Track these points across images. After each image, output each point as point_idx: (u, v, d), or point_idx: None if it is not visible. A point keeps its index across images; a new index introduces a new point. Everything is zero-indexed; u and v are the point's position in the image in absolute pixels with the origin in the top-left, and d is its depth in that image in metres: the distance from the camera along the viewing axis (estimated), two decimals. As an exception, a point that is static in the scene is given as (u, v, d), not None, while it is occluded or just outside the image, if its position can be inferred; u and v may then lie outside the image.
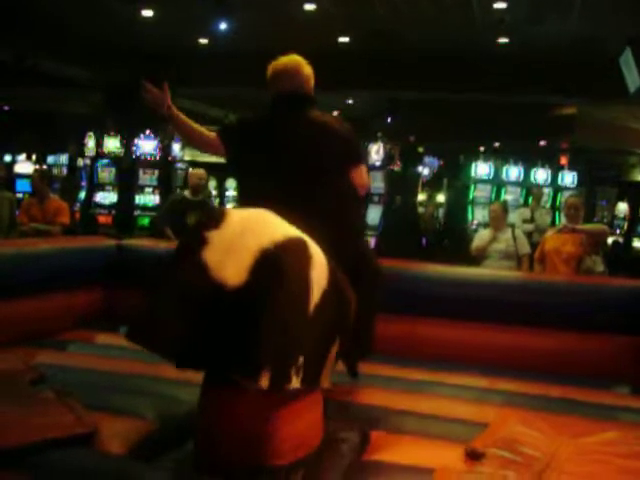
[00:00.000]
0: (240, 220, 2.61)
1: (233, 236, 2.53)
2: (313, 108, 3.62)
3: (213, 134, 3.65)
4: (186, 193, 8.16)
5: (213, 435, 2.55)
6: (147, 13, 11.71)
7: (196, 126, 3.68)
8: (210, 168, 9.64)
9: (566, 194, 12.92)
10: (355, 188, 3.59)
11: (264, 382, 2.33)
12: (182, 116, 3.69)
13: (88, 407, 2.78)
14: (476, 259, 7.20)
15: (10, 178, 16.03)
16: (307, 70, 3.66)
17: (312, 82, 3.68)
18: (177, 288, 2.50)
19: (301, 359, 2.49)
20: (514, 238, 7.19)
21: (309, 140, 3.45)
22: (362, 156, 3.82)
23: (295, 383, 2.47)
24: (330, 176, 3.46)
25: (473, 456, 2.75)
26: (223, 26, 10.74)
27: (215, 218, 2.63)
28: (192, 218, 7.49)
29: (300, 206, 2.89)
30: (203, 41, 13.19)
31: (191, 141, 3.78)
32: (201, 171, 8.16)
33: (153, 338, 2.53)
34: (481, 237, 7.42)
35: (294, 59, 3.67)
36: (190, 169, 10.41)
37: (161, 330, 2.49)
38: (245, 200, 3.51)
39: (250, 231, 2.54)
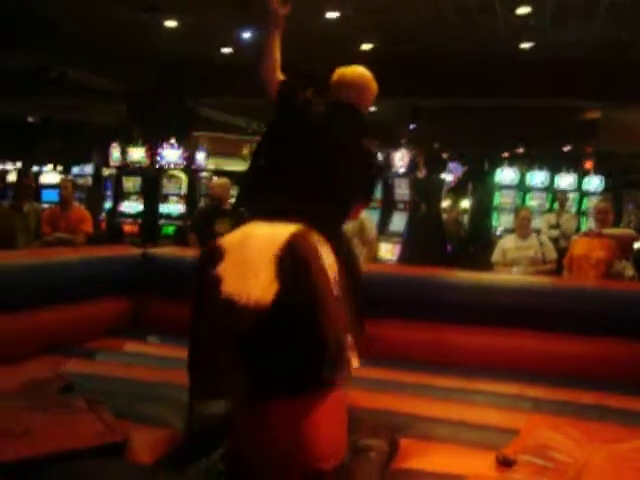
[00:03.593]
0: (237, 244, 2.57)
1: (240, 257, 2.49)
2: (361, 127, 3.55)
3: (279, 78, 3.54)
4: (215, 202, 8.17)
5: (252, 447, 2.52)
6: (171, 24, 11.78)
7: (276, 59, 3.55)
8: (233, 177, 9.66)
9: (592, 199, 12.83)
10: (346, 213, 3.53)
11: (347, 372, 2.35)
12: (276, 43, 3.57)
13: (118, 416, 2.79)
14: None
15: (36, 188, 16.17)
16: (373, 87, 3.63)
17: (372, 100, 3.65)
18: (217, 333, 2.45)
19: (349, 338, 2.50)
20: (540, 244, 7.14)
21: (342, 159, 3.38)
22: (371, 197, 3.77)
23: (355, 362, 2.48)
24: (338, 196, 3.39)
25: (505, 463, 2.73)
26: (246, 35, 10.77)
27: (213, 254, 2.60)
28: (222, 227, 7.51)
29: (302, 204, 2.91)
30: (226, 50, 13.24)
31: (262, 65, 3.60)
32: (224, 181, 8.19)
33: (221, 390, 2.48)
34: (503, 246, 7.36)
35: (365, 74, 3.61)
36: (214, 178, 10.44)
37: (225, 379, 2.44)
38: (256, 172, 3.45)
39: (251, 245, 2.52)
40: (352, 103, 3.54)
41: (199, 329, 2.56)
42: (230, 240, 2.61)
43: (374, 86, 3.64)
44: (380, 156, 11.63)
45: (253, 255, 2.47)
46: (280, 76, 3.55)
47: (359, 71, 3.63)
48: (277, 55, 3.56)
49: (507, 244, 7.36)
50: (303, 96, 3.57)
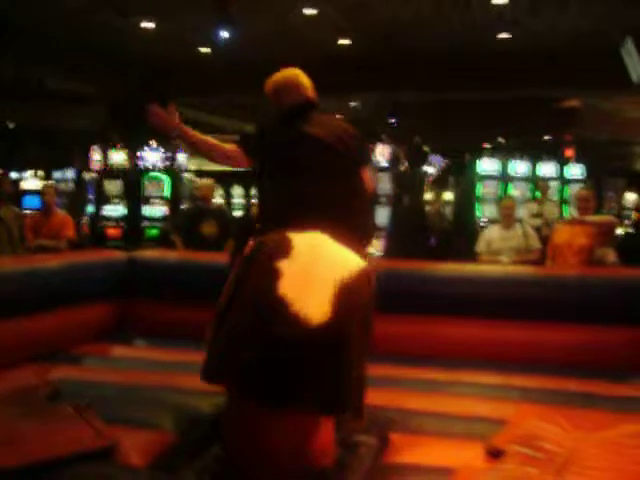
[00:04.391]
0: (307, 247, 2.52)
1: (307, 267, 2.44)
2: (318, 111, 3.66)
3: (232, 146, 3.61)
4: (199, 203, 8.16)
5: (250, 447, 2.51)
6: (148, 25, 11.73)
7: (210, 140, 3.65)
8: (216, 176, 9.65)
9: (573, 187, 12.89)
10: (365, 191, 3.61)
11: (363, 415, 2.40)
12: (193, 133, 3.65)
13: (106, 421, 2.78)
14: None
15: (17, 195, 16.08)
16: (306, 79, 3.70)
17: (312, 89, 3.71)
18: (261, 330, 2.40)
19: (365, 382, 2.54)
20: (524, 233, 7.17)
21: (330, 143, 3.47)
22: (370, 157, 3.87)
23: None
24: (349, 176, 3.48)
25: (494, 454, 2.75)
26: (224, 35, 10.74)
27: (282, 245, 2.54)
28: (207, 228, 7.50)
29: (327, 207, 2.95)
30: (204, 50, 13.20)
31: (206, 155, 3.70)
32: (209, 181, 8.17)
33: (251, 385, 2.44)
34: (488, 236, 7.39)
35: (292, 71, 3.71)
36: (198, 180, 10.41)
37: (256, 375, 2.41)
38: (275, 204, 3.47)
39: (322, 260, 2.48)
40: (302, 100, 3.64)
41: (234, 302, 2.50)
42: (300, 241, 2.56)
43: (306, 78, 3.72)
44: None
45: (322, 272, 2.44)
46: (231, 146, 3.61)
47: (285, 72, 3.74)
48: (208, 141, 3.64)
49: (491, 234, 7.39)
50: (262, 131, 3.67)
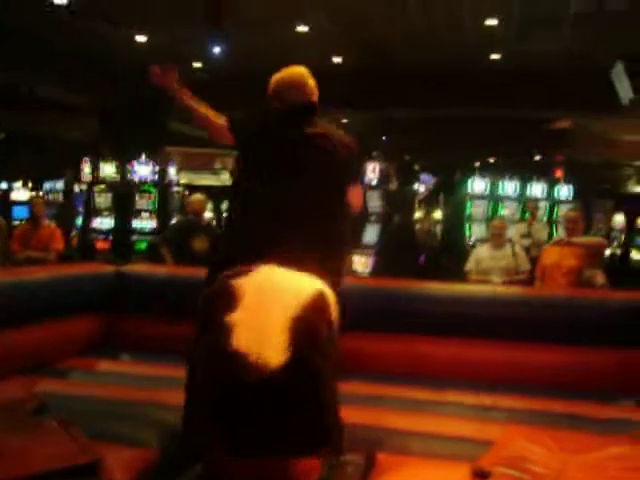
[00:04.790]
0: (254, 289, 2.48)
1: (256, 311, 2.40)
2: (318, 118, 3.64)
3: (223, 122, 3.62)
4: (191, 217, 8.14)
5: (233, 467, 2.49)
6: (141, 38, 11.76)
7: (207, 111, 3.65)
8: (207, 191, 9.65)
9: (562, 207, 12.95)
10: (349, 207, 3.59)
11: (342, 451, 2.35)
12: (190, 98, 3.66)
13: (91, 436, 2.76)
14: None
15: (6, 205, 16.03)
16: (312, 81, 3.69)
17: (317, 93, 3.71)
18: (224, 389, 2.37)
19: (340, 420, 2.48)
20: (514, 254, 7.19)
21: (320, 154, 3.45)
22: (361, 174, 3.87)
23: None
24: (333, 192, 3.46)
25: (480, 475, 2.73)
26: (217, 49, 10.78)
27: (229, 296, 2.50)
28: (198, 243, 7.48)
29: (300, 221, 2.91)
30: (197, 64, 13.24)
31: (199, 123, 3.70)
32: (202, 196, 8.16)
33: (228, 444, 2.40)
34: (477, 255, 7.41)
35: (299, 70, 3.70)
36: (191, 195, 10.41)
37: (229, 434, 2.38)
38: (243, 204, 3.48)
39: (271, 299, 2.43)
40: (302, 101, 3.60)
41: (197, 376, 2.49)
42: (248, 284, 2.52)
43: (312, 80, 3.69)
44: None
45: (272, 310, 2.40)
46: (220, 120, 3.61)
47: (294, 70, 3.70)
48: (202, 108, 3.64)
49: (481, 254, 7.41)
50: (253, 121, 3.65)
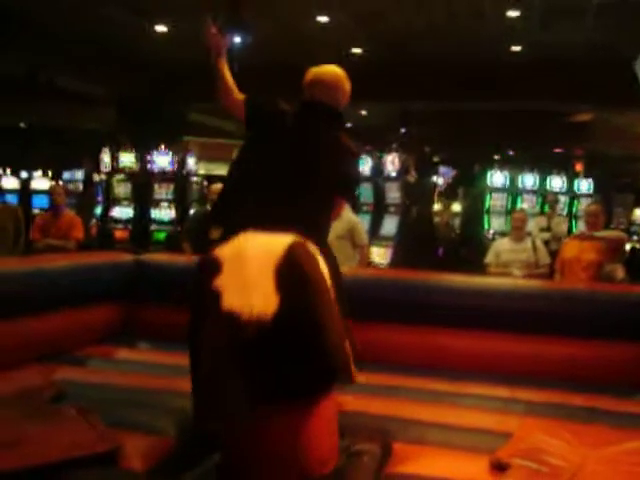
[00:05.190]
0: (234, 255, 2.51)
1: (238, 272, 2.43)
2: (338, 126, 3.63)
3: (240, 98, 3.67)
4: (209, 207, 8.11)
5: (250, 455, 2.50)
6: (161, 28, 11.77)
7: (231, 83, 3.70)
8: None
9: (582, 201, 12.87)
10: (329, 215, 3.58)
11: (355, 377, 2.38)
12: (226, 69, 3.72)
13: (109, 424, 2.77)
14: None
15: (27, 194, 16.13)
16: (347, 86, 3.67)
17: (347, 99, 3.69)
18: (218, 348, 2.41)
19: (347, 345, 2.50)
20: (534, 248, 7.14)
21: (322, 158, 3.44)
22: (352, 193, 3.86)
23: (356, 372, 2.50)
24: (319, 194, 3.44)
25: (498, 467, 2.73)
26: (237, 39, 10.78)
27: (209, 266, 2.54)
28: (216, 232, 7.47)
29: (290, 211, 2.95)
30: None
31: (220, 89, 3.72)
32: (221, 186, 8.12)
33: (225, 409, 2.42)
34: (498, 248, 7.37)
35: (338, 72, 3.67)
36: (210, 185, 10.40)
37: (229, 397, 2.40)
38: (238, 177, 3.55)
39: (247, 256, 2.47)
40: (326, 102, 3.57)
41: (199, 345, 2.51)
42: (227, 252, 2.56)
43: (348, 85, 3.69)
44: (368, 158, 11.69)
45: (252, 267, 2.42)
46: (239, 96, 3.64)
47: (332, 70, 3.68)
48: (229, 79, 3.69)
49: (501, 246, 7.37)
50: (271, 105, 3.64)
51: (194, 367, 2.56)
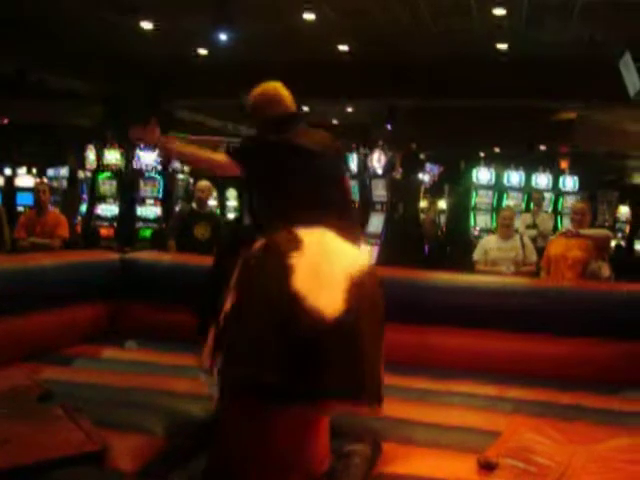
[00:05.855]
0: (316, 243, 2.60)
1: (317, 261, 2.51)
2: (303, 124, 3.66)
3: (222, 157, 3.56)
4: (194, 205, 8.07)
5: (248, 453, 2.51)
6: (146, 25, 11.72)
7: (196, 152, 3.58)
8: (211, 179, 9.61)
9: (568, 198, 12.91)
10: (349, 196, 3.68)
11: (381, 408, 2.44)
12: (176, 145, 3.65)
13: (97, 423, 2.76)
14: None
15: (10, 191, 16.00)
16: (285, 91, 3.68)
17: (294, 103, 3.70)
18: (273, 320, 2.44)
19: (382, 373, 2.58)
20: (522, 245, 7.13)
21: (320, 154, 3.45)
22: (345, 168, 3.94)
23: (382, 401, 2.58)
24: (336, 183, 3.48)
25: (486, 466, 2.73)
26: (223, 36, 10.74)
27: (291, 242, 2.60)
28: (200, 230, 7.46)
29: (324, 209, 3.02)
30: (202, 52, 13.20)
31: (196, 165, 3.72)
32: (206, 183, 8.07)
33: (259, 371, 2.44)
34: (485, 245, 7.36)
35: (271, 85, 3.66)
36: (197, 182, 10.36)
37: (267, 362, 2.44)
38: (274, 209, 3.49)
39: (330, 255, 2.55)
40: (288, 112, 3.60)
41: (257, 310, 2.51)
42: (307, 240, 2.61)
43: (286, 91, 3.68)
44: (354, 155, 11.70)
45: (331, 266, 2.50)
46: (222, 157, 3.53)
47: (268, 85, 3.65)
48: (200, 153, 3.58)
49: (489, 244, 7.35)
50: (252, 142, 3.65)
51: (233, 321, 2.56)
